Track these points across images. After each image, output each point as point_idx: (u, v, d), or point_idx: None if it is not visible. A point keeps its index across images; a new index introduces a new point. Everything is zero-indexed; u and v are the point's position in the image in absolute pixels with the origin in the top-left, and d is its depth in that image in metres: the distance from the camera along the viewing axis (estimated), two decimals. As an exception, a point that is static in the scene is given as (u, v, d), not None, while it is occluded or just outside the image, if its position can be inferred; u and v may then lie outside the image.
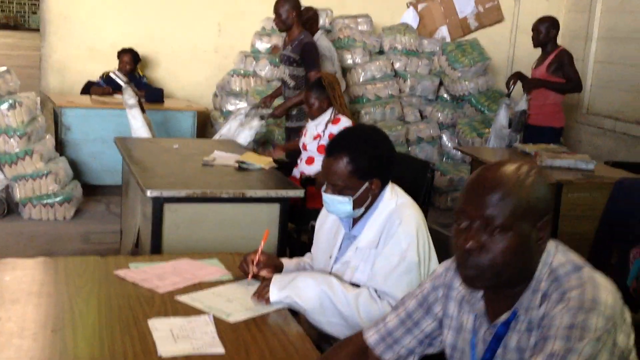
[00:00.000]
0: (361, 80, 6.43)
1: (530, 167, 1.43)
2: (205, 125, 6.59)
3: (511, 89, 5.48)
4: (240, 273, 2.25)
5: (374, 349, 1.68)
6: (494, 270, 1.39)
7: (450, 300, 1.59)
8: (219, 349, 1.76)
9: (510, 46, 7.54)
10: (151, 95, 6.17)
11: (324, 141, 4.20)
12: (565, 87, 5.28)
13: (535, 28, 5.29)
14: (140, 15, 6.73)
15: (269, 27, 6.45)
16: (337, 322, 2.04)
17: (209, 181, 3.53)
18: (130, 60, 6.35)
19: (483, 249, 1.39)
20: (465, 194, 1.43)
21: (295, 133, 4.99)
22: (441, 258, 2.08)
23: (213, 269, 2.31)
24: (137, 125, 5.14)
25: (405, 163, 3.55)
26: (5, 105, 5.07)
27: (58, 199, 5.19)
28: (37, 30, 7.59)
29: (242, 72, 6.37)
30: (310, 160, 4.29)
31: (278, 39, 6.32)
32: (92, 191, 5.76)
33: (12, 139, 5.09)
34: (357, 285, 2.12)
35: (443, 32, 7.28)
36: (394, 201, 2.15)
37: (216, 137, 5.25)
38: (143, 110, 5.29)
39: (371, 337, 1.69)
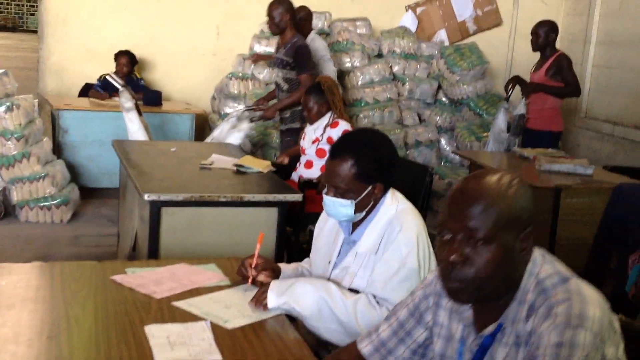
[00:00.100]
0: (359, 83, 6.42)
1: (511, 177, 1.42)
2: (203, 128, 6.57)
3: (510, 93, 5.47)
4: (237, 278, 2.24)
5: (368, 359, 1.67)
6: (478, 283, 1.37)
7: (441, 309, 1.58)
8: (216, 356, 1.74)
9: (508, 50, 7.54)
10: (149, 98, 6.16)
11: (323, 145, 4.20)
12: (563, 92, 5.28)
13: (534, 32, 5.29)
14: (139, 18, 6.72)
15: (268, 30, 6.43)
16: (335, 329, 2.03)
17: (207, 185, 3.52)
18: (128, 62, 6.33)
19: (467, 261, 1.37)
20: (447, 206, 1.42)
21: (288, 135, 4.98)
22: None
23: (210, 274, 2.29)
24: (134, 128, 5.13)
25: (404, 167, 3.53)
26: (2, 108, 5.05)
27: (55, 201, 5.17)
28: (35, 32, 7.58)
29: (240, 74, 6.36)
30: (308, 164, 4.29)
31: (274, 41, 6.30)
32: (89, 194, 5.74)
33: (9, 142, 5.07)
34: (356, 291, 2.10)
35: (441, 35, 7.28)
36: (395, 207, 2.14)
37: (208, 139, 5.22)
38: (140, 113, 5.27)
39: (365, 348, 1.69)
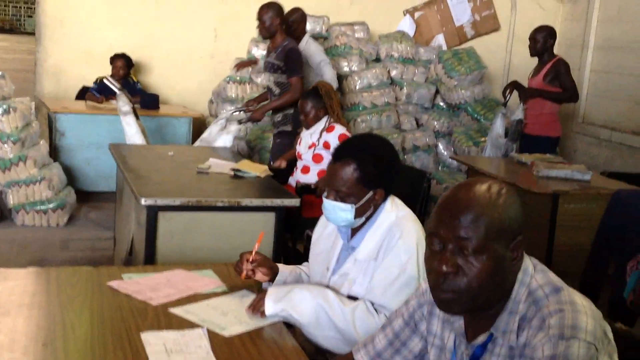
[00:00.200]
0: (357, 87, 6.41)
1: (500, 186, 1.41)
2: (200, 131, 6.53)
3: (507, 98, 5.47)
4: (235, 285, 2.23)
5: None
6: (471, 293, 1.36)
7: (434, 318, 1.57)
8: (213, 364, 1.73)
9: (506, 55, 7.55)
10: (147, 102, 6.15)
11: (319, 150, 4.18)
12: (561, 97, 5.28)
13: (532, 37, 5.29)
14: (136, 21, 6.71)
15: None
16: (333, 336, 2.02)
17: (204, 189, 3.51)
18: (124, 65, 6.32)
19: (459, 272, 1.36)
20: (437, 216, 1.40)
21: (279, 137, 4.96)
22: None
23: (207, 280, 2.28)
24: (132, 132, 5.12)
25: (402, 172, 3.52)
26: (-1, 111, 5.04)
27: (52, 205, 5.15)
28: (33, 34, 7.56)
29: (238, 78, 6.35)
30: (305, 170, 4.27)
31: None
32: (86, 197, 5.72)
33: (5, 145, 5.05)
34: (355, 298, 2.09)
35: (439, 40, 7.28)
36: (394, 214, 2.13)
37: (197, 142, 5.19)
38: (137, 117, 5.26)
39: (362, 359, 1.67)
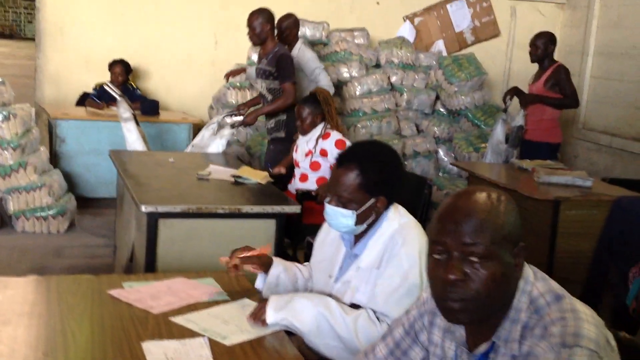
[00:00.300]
0: (357, 93, 6.41)
1: (498, 194, 1.42)
2: (200, 137, 6.55)
3: (508, 104, 5.47)
4: (236, 293, 2.22)
5: None
6: (479, 301, 1.35)
7: (435, 328, 1.56)
8: (214, 374, 1.72)
9: (506, 61, 7.56)
10: (147, 108, 6.15)
11: (317, 158, 4.15)
12: (562, 103, 5.28)
13: (533, 43, 5.29)
14: (136, 27, 6.71)
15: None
16: (335, 345, 2.01)
17: (205, 196, 3.50)
18: (122, 71, 6.32)
19: (466, 279, 1.35)
20: (439, 225, 1.39)
21: (272, 144, 4.94)
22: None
23: (208, 288, 2.27)
24: (133, 138, 5.11)
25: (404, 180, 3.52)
26: (-1, 117, 5.03)
27: (52, 211, 5.14)
28: (33, 39, 7.56)
29: (238, 84, 6.34)
30: (304, 178, 4.24)
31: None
32: (86, 204, 5.71)
33: (5, 151, 5.05)
34: (357, 306, 2.08)
35: (439, 46, 7.28)
36: (397, 221, 2.12)
37: (188, 148, 5.17)
38: (137, 123, 5.26)
39: None
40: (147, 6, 6.73)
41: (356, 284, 2.10)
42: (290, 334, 2.02)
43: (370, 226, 2.13)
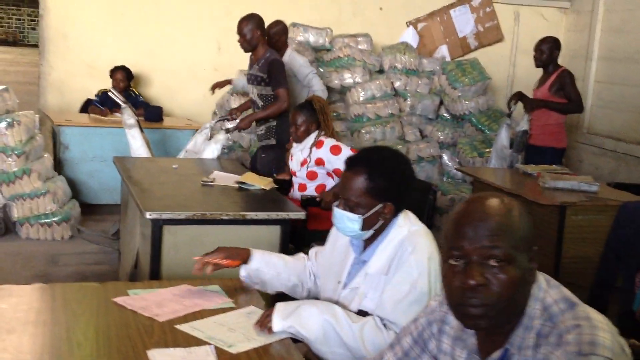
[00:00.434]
0: (361, 99, 6.41)
1: (509, 199, 1.42)
2: (204, 143, 6.54)
3: (512, 109, 5.46)
4: (242, 300, 2.20)
5: None
6: (500, 305, 1.34)
7: (444, 336, 1.55)
8: (221, 382, 1.71)
9: (510, 66, 7.55)
10: (150, 114, 6.15)
11: (312, 167, 4.09)
12: (566, 108, 5.26)
13: (538, 48, 5.28)
14: (140, 34, 6.72)
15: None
16: (341, 353, 1.99)
17: (209, 202, 3.49)
18: (124, 77, 6.33)
19: (488, 284, 1.34)
20: (456, 230, 1.38)
21: (263, 152, 4.90)
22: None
23: (214, 296, 2.26)
24: (137, 145, 5.11)
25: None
26: (3, 124, 5.03)
27: (56, 218, 5.14)
28: (36, 46, 7.58)
29: (241, 90, 6.33)
30: (302, 187, 4.18)
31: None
32: (90, 210, 5.71)
33: (10, 158, 5.05)
34: (365, 313, 2.07)
35: (443, 51, 7.28)
36: (407, 228, 2.11)
37: (182, 154, 5.15)
38: (141, 130, 5.26)
39: None
40: (150, 13, 6.74)
41: (364, 290, 2.09)
42: (296, 341, 2.01)
43: (379, 232, 2.12)
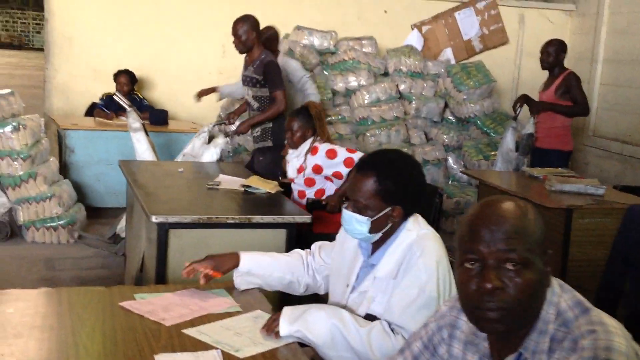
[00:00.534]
0: (366, 102, 6.41)
1: (523, 202, 1.41)
2: (209, 147, 6.54)
3: (518, 111, 5.44)
4: (248, 304, 2.20)
5: None
6: (519, 307, 1.34)
7: (455, 340, 1.54)
8: (228, 387, 1.70)
9: (515, 68, 7.54)
10: (156, 117, 6.16)
11: (309, 174, 4.06)
12: (572, 111, 5.25)
13: (544, 51, 5.26)
14: (144, 37, 6.73)
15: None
16: (349, 357, 1.98)
17: (215, 206, 3.49)
18: (127, 81, 6.34)
19: (505, 288, 1.33)
20: (471, 233, 1.37)
21: (261, 154, 4.89)
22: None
23: (220, 300, 2.25)
24: (142, 148, 5.12)
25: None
26: (9, 128, 5.04)
27: (62, 222, 5.14)
28: (41, 49, 7.60)
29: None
30: (301, 194, 4.15)
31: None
32: (96, 214, 5.71)
33: (15, 162, 5.05)
34: (373, 316, 2.06)
35: (448, 54, 7.27)
36: (416, 232, 2.10)
37: (179, 157, 5.15)
38: (147, 133, 5.26)
39: None
40: (155, 16, 6.75)
41: (373, 294, 2.08)
42: (303, 345, 2.00)
43: (387, 235, 2.12)
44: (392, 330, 1.99)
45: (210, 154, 4.89)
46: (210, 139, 5.11)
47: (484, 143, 6.43)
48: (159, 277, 3.12)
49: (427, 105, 6.62)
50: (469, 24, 7.37)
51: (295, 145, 4.10)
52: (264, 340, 1.97)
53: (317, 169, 4.01)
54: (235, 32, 4.73)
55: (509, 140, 5.45)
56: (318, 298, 2.54)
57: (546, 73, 5.38)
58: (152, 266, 3.20)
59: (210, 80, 6.85)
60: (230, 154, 6.11)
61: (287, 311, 2.02)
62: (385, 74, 6.71)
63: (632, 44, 6.60)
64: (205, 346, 1.91)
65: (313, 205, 4.00)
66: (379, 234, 2.11)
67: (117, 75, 6.34)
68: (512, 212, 1.36)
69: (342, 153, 3.96)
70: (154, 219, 3.08)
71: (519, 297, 1.33)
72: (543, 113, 5.24)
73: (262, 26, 5.01)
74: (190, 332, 1.99)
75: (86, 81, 6.61)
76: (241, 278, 2.32)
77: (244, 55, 4.90)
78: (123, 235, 4.84)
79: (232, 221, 3.21)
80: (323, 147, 4.01)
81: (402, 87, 6.63)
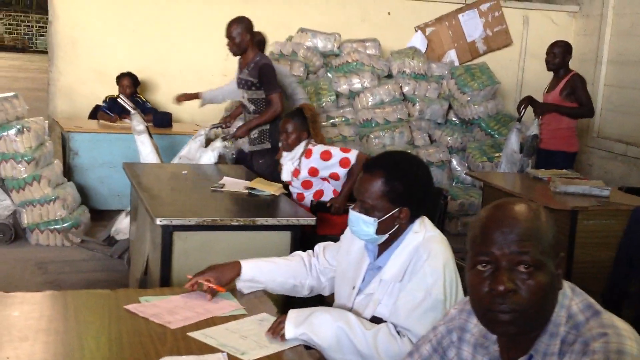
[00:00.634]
0: (370, 104, 6.40)
1: (535, 204, 1.40)
2: (213, 149, 6.54)
3: (522, 113, 5.43)
4: (253, 307, 2.20)
5: None
6: (532, 310, 1.33)
7: (464, 344, 1.53)
8: (234, 390, 1.69)
9: (519, 70, 7.53)
10: (159, 120, 6.17)
11: (306, 177, 4.05)
12: (577, 112, 5.23)
13: (550, 52, 5.25)
14: (148, 39, 6.74)
15: (277, 50, 6.44)
16: (355, 360, 1.98)
17: (219, 208, 3.49)
18: (130, 83, 6.35)
19: (518, 290, 1.33)
20: (483, 236, 1.36)
21: (260, 157, 4.85)
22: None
23: (225, 302, 2.25)
24: (147, 151, 5.11)
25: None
26: (13, 131, 5.05)
27: (66, 224, 5.15)
28: (45, 52, 7.61)
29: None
30: (300, 197, 4.14)
31: (285, 62, 6.29)
32: (99, 216, 5.72)
33: (20, 165, 5.06)
34: (380, 319, 2.05)
35: (451, 55, 7.27)
36: (422, 234, 2.09)
37: (175, 159, 5.14)
38: (150, 136, 5.26)
39: None
40: (158, 19, 6.76)
41: (379, 296, 2.08)
42: (309, 348, 2.00)
43: (394, 237, 2.11)
44: (398, 333, 1.98)
45: (208, 157, 4.89)
46: (208, 142, 5.12)
47: (488, 145, 6.42)
48: (164, 279, 3.11)
49: (431, 107, 6.61)
50: (472, 26, 7.37)
51: (290, 148, 4.09)
52: (269, 343, 1.96)
53: (313, 172, 4.00)
54: (229, 34, 4.69)
55: (513, 142, 5.44)
56: (322, 300, 2.54)
57: (550, 74, 5.37)
58: (157, 269, 3.20)
59: (212, 82, 6.84)
60: (234, 155, 6.11)
61: (292, 314, 2.02)
62: (389, 76, 6.70)
63: (636, 45, 6.58)
64: (211, 349, 1.90)
65: (317, 207, 4.00)
66: (386, 236, 2.10)
67: (120, 78, 6.35)
68: (524, 215, 1.36)
69: (337, 154, 3.95)
70: (158, 221, 3.08)
71: (531, 299, 1.32)
72: (548, 115, 5.23)
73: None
74: (196, 335, 1.99)
75: (90, 84, 6.61)
76: (244, 283, 2.31)
77: (238, 57, 4.87)
78: (117, 237, 4.85)
79: (236, 224, 3.21)
80: (317, 150, 4.00)
81: (405, 89, 6.62)
